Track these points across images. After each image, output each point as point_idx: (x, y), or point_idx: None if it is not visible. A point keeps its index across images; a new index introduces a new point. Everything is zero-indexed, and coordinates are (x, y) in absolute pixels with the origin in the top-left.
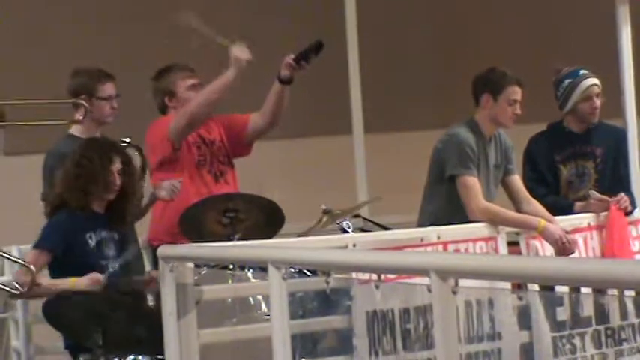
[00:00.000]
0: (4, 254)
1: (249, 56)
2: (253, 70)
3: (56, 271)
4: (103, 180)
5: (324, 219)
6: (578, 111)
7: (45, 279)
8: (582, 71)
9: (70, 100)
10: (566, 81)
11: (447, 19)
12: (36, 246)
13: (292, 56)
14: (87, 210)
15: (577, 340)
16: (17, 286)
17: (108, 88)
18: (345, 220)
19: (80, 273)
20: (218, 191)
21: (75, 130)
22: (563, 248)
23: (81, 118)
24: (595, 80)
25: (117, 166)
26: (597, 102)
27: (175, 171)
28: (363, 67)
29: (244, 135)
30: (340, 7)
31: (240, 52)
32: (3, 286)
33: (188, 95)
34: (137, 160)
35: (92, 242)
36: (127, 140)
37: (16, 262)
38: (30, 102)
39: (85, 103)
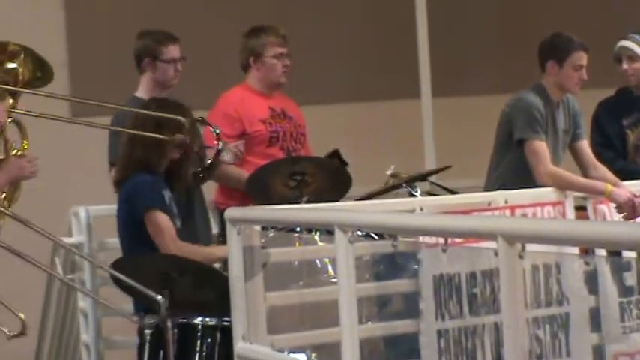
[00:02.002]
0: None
1: None
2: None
3: (132, 235)
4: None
5: (391, 182)
6: None
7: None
8: None
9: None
10: None
11: None
12: (159, 210)
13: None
14: (156, 170)
15: None
16: None
17: (172, 51)
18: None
19: None
20: None
21: (140, 91)
22: (632, 212)
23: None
24: None
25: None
26: None
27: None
28: (431, 31)
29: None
30: None
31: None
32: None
33: (273, 63)
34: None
35: (167, 201)
36: (200, 118)
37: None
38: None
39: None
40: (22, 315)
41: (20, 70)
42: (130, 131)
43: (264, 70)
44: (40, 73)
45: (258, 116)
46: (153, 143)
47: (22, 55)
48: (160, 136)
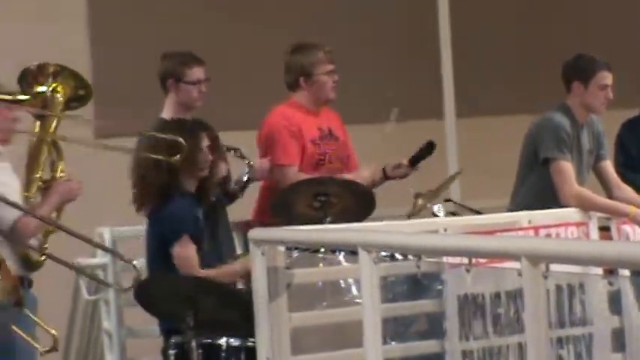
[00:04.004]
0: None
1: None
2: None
3: (163, 258)
4: (196, 158)
5: (419, 202)
6: None
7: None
8: None
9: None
10: None
11: (536, 3)
12: (191, 240)
13: (405, 161)
14: (185, 190)
15: None
16: None
17: (195, 73)
18: (437, 204)
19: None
20: None
21: (165, 113)
22: None
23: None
24: None
25: (205, 142)
26: None
27: None
28: (455, 51)
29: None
30: None
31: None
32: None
33: (324, 81)
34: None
35: (201, 222)
36: (235, 148)
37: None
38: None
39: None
40: (53, 331)
41: (59, 89)
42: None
43: (315, 88)
44: (83, 91)
45: (308, 136)
46: (166, 166)
47: (62, 75)
48: (157, 156)
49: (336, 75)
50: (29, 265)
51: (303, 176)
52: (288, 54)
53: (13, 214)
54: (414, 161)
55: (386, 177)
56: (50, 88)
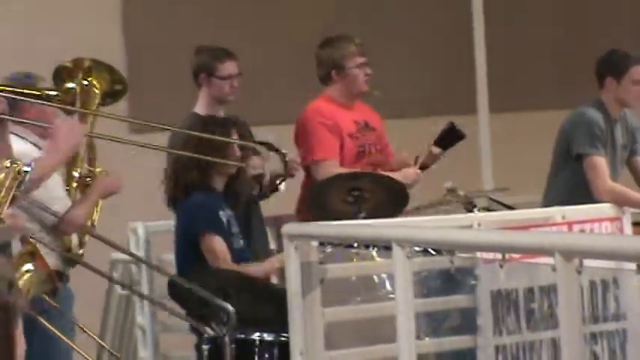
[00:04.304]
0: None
1: None
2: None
3: (188, 254)
4: (225, 154)
5: (448, 197)
6: None
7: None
8: None
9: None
10: None
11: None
12: (215, 233)
13: (433, 145)
14: (211, 188)
15: None
16: None
17: (228, 67)
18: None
19: None
20: None
21: (198, 107)
22: None
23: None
24: None
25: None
26: None
27: None
28: (489, 46)
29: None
30: None
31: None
32: None
33: (356, 73)
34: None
35: (224, 220)
36: (267, 142)
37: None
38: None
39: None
40: (105, 344)
41: (95, 84)
42: (176, 152)
43: (348, 81)
44: (120, 86)
45: (346, 130)
46: (197, 162)
47: (97, 69)
48: (198, 156)
49: (368, 68)
50: (70, 259)
51: (343, 170)
52: (318, 47)
53: (60, 208)
54: (439, 143)
55: (421, 167)
56: (85, 83)
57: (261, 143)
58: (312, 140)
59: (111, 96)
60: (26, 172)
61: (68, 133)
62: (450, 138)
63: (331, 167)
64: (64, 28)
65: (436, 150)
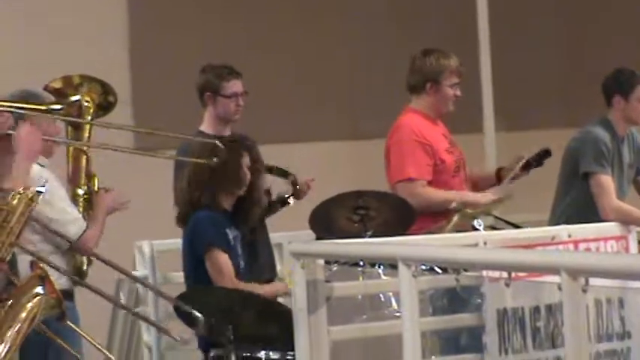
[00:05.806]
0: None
1: None
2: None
3: (197, 271)
4: (234, 175)
5: (455, 217)
6: None
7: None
8: None
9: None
10: None
11: (576, 18)
12: (221, 249)
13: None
14: (219, 207)
15: None
16: None
17: (233, 86)
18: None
19: None
20: None
21: (204, 126)
22: None
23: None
24: None
25: (246, 160)
26: None
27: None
28: (494, 65)
29: None
30: (472, 8)
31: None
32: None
33: (449, 92)
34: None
35: (231, 240)
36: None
37: None
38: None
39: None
40: (112, 356)
41: (88, 99)
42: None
43: (439, 97)
44: (113, 97)
45: (442, 145)
46: (207, 180)
47: (89, 85)
48: (199, 160)
49: (459, 90)
50: (80, 275)
51: (432, 191)
52: (419, 55)
53: (77, 228)
54: (527, 166)
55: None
56: (77, 98)
57: (271, 169)
58: (406, 159)
59: (103, 109)
60: (39, 192)
61: (31, 140)
62: (538, 160)
63: (422, 187)
64: (71, 46)
65: (524, 172)
